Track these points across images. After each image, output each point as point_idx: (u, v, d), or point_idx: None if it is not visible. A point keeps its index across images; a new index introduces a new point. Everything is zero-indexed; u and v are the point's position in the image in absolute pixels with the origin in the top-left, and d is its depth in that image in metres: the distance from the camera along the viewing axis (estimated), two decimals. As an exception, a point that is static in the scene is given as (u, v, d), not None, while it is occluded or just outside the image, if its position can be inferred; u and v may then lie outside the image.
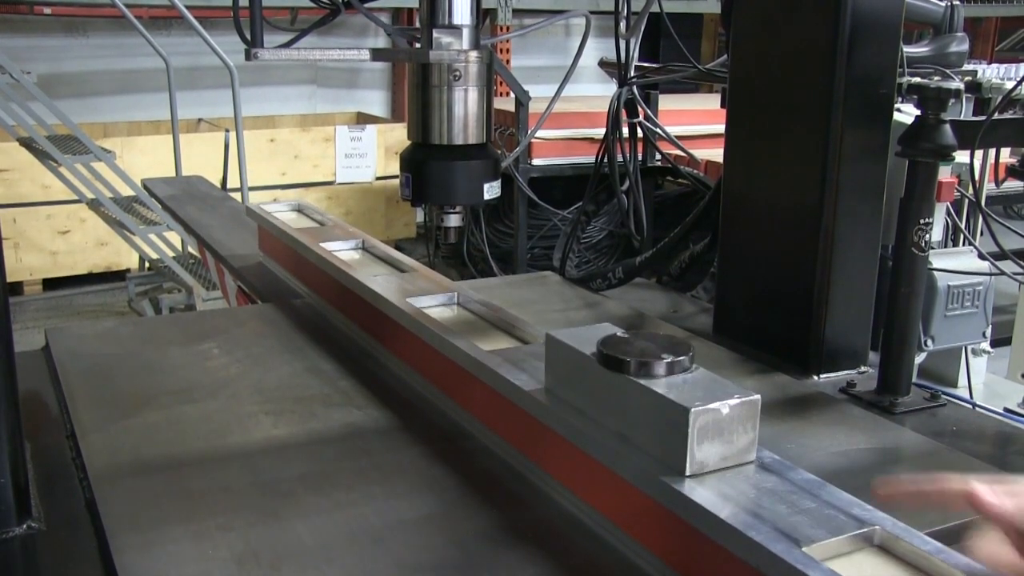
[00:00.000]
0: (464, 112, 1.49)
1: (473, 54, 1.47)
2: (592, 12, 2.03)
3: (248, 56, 1.36)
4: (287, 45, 1.54)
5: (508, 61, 8.21)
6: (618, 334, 1.23)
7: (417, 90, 1.50)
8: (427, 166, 1.50)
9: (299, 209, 2.49)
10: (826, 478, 1.08)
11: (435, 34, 1.46)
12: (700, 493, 1.04)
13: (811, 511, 1.00)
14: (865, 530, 0.97)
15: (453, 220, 1.54)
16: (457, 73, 1.47)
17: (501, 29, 7.80)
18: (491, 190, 1.53)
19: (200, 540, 1.19)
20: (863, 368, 1.88)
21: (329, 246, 2.07)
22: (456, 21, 1.47)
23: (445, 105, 1.49)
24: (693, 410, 1.05)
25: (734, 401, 1.08)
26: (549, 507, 1.28)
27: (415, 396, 1.64)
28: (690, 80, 2.73)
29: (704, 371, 1.17)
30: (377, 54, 1.49)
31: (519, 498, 1.32)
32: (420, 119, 1.51)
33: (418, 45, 1.53)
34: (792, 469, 1.09)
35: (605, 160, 2.52)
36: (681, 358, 1.15)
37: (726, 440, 1.08)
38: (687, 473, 1.06)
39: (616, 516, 1.19)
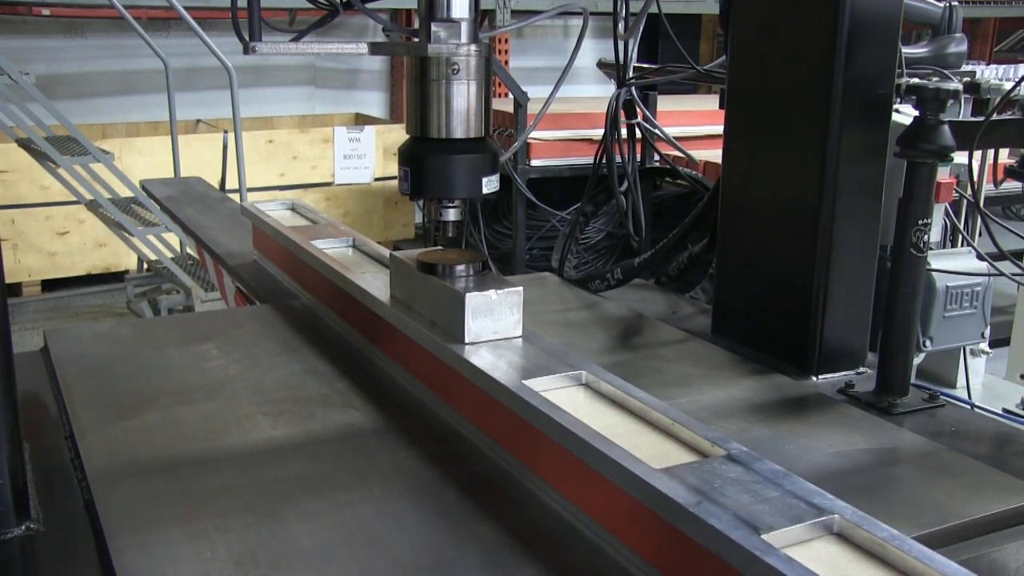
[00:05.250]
0: (462, 106, 1.48)
1: (472, 48, 1.47)
2: (591, 13, 2.02)
3: (246, 50, 1.35)
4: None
5: (507, 62, 8.21)
6: (431, 249, 1.60)
7: (415, 84, 1.50)
8: (426, 160, 1.49)
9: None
10: (824, 479, 1.10)
11: (433, 28, 1.46)
12: (478, 359, 1.37)
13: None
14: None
15: (452, 214, 1.53)
16: (455, 67, 1.46)
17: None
18: (490, 184, 1.52)
19: (198, 541, 1.19)
20: (862, 369, 1.88)
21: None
22: (454, 15, 1.46)
23: (443, 99, 1.48)
24: (467, 295, 1.38)
25: (502, 289, 1.41)
26: (545, 511, 1.28)
27: (413, 397, 1.64)
28: (689, 81, 2.73)
29: (492, 273, 1.52)
30: (375, 48, 1.48)
31: (515, 500, 1.32)
32: (419, 113, 1.50)
33: (416, 40, 1.52)
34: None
35: (604, 161, 2.52)
36: (474, 263, 1.48)
37: (496, 318, 1.43)
38: (465, 342, 1.39)
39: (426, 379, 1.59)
